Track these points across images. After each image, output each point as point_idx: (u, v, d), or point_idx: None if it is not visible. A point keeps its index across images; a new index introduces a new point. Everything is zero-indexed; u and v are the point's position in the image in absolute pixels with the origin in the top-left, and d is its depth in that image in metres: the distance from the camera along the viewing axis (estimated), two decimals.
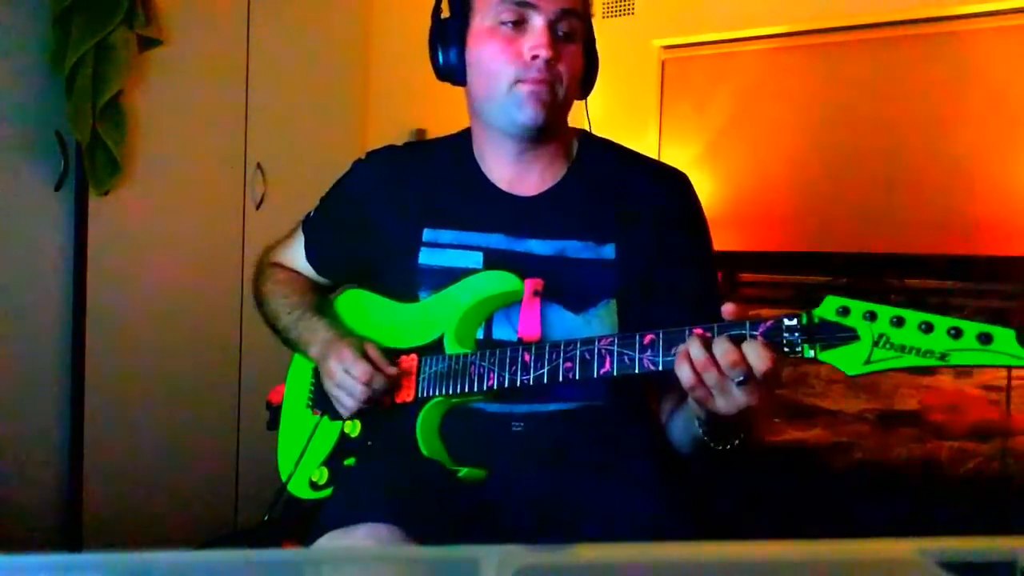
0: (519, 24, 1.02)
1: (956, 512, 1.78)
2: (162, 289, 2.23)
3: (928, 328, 0.73)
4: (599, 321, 1.06)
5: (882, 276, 3.46)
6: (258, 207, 2.48)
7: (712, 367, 0.81)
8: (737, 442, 0.93)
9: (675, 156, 3.95)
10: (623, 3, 3.87)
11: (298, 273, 1.28)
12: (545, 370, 0.93)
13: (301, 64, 2.62)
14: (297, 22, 2.60)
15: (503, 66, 1.03)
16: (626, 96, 3.82)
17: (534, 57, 1.01)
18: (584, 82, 1.10)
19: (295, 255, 1.28)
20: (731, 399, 0.83)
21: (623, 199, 1.10)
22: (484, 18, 1.04)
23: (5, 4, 1.87)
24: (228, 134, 2.41)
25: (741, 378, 0.80)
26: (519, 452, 1.06)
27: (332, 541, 0.94)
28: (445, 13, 1.10)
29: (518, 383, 0.95)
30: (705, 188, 3.67)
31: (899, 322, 0.75)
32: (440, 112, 2.65)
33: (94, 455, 2.06)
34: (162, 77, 2.18)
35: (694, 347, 0.82)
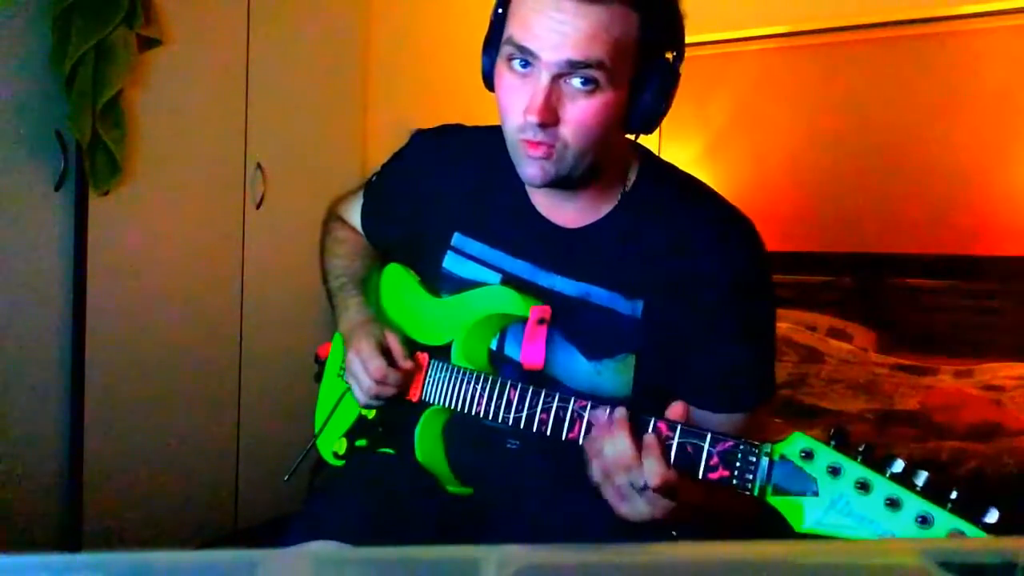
0: (526, 70, 0.88)
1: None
2: (162, 289, 2.23)
3: (894, 504, 0.64)
4: (611, 374, 0.98)
5: (882, 276, 3.46)
6: (258, 207, 2.48)
7: (621, 470, 0.77)
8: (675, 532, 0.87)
9: (675, 156, 3.95)
10: None
11: (356, 232, 1.27)
12: (523, 415, 0.90)
13: (301, 64, 2.62)
14: (297, 22, 2.60)
15: (507, 112, 0.92)
16: None
17: (526, 116, 0.88)
18: (632, 121, 0.93)
19: (354, 213, 1.26)
20: (634, 506, 0.79)
21: (668, 250, 0.96)
22: (504, 46, 0.90)
23: (5, 4, 1.87)
24: (228, 134, 2.41)
25: (639, 486, 0.76)
26: (512, 470, 1.05)
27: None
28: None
29: (500, 420, 0.93)
30: None
31: (864, 487, 0.66)
32: (440, 112, 2.64)
33: (94, 455, 2.06)
34: (162, 77, 2.18)
35: (608, 444, 0.78)
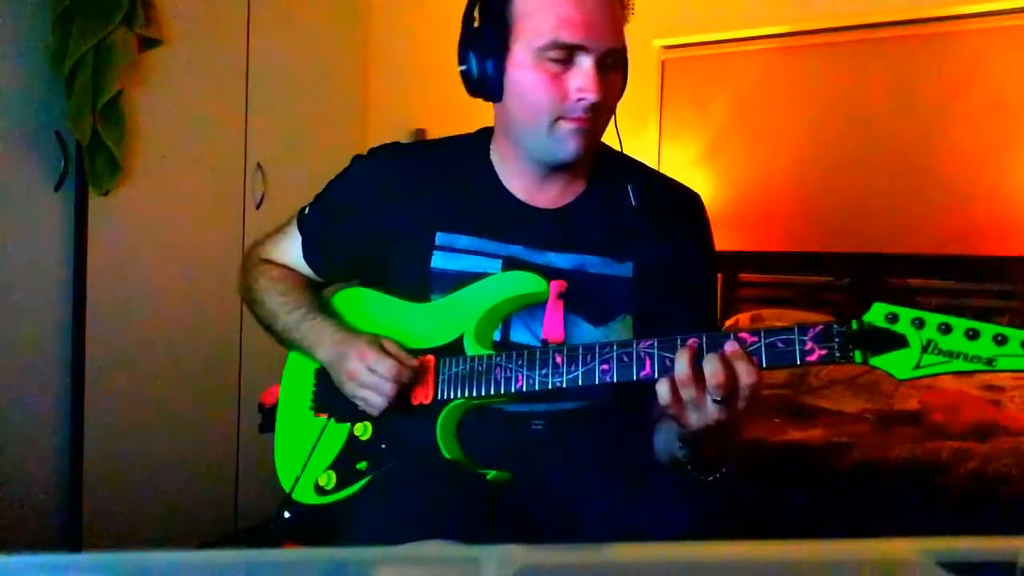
0: (566, 61, 0.99)
1: (956, 512, 1.78)
2: (162, 289, 2.23)
3: (975, 335, 0.76)
4: (616, 336, 1.06)
5: (882, 276, 3.45)
6: (258, 207, 2.49)
7: (691, 385, 0.84)
8: (718, 475, 0.95)
9: (675, 156, 3.95)
10: None
11: (292, 270, 1.24)
12: (580, 372, 0.92)
13: (301, 64, 2.62)
14: (297, 22, 2.60)
15: (547, 102, 1.00)
16: (626, 96, 3.81)
17: (580, 99, 0.99)
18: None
19: (288, 251, 1.23)
20: (704, 414, 0.85)
21: (641, 217, 1.10)
22: (528, 46, 1.00)
23: (5, 4, 1.87)
24: (228, 134, 2.41)
25: (719, 398, 0.83)
26: (539, 451, 1.06)
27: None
28: (477, 21, 1.04)
29: (550, 386, 0.94)
30: (705, 188, 3.66)
31: (947, 329, 0.78)
32: (440, 112, 2.64)
33: (94, 455, 2.06)
34: (162, 77, 2.18)
35: (681, 363, 0.84)
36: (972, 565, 0.42)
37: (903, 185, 3.48)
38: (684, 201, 1.17)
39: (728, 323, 3.27)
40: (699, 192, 1.20)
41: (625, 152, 1.18)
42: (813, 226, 3.67)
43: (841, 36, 3.59)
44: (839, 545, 0.44)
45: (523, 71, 1.01)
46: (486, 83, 1.04)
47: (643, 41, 3.84)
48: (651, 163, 1.24)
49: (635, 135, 3.86)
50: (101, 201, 2.05)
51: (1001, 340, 0.75)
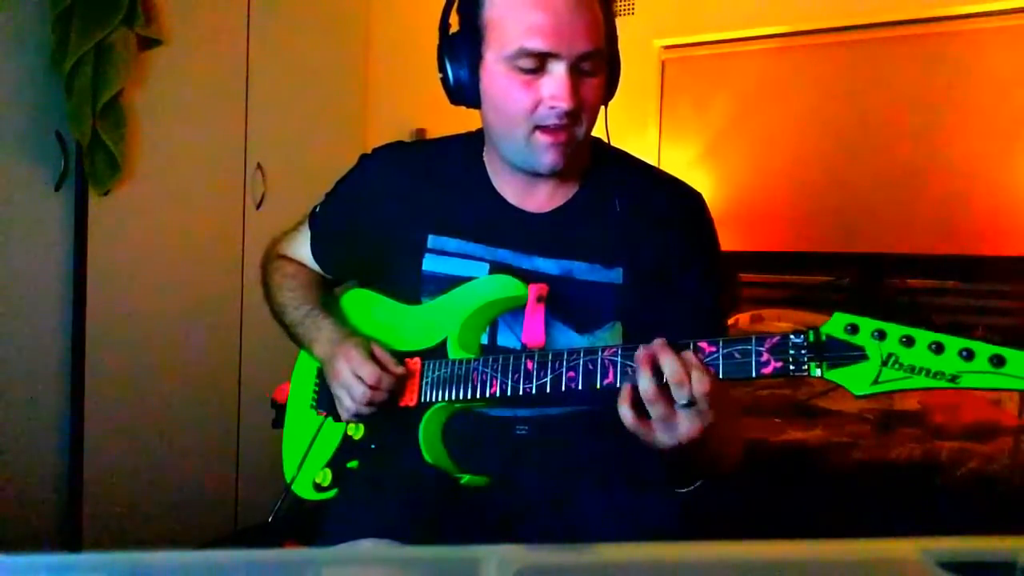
0: (538, 69, 0.96)
1: (956, 512, 1.78)
2: (162, 289, 2.23)
3: (939, 349, 0.71)
4: (603, 344, 1.02)
5: (882, 276, 3.45)
6: (258, 207, 2.49)
7: (659, 400, 0.80)
8: (695, 487, 0.92)
9: (675, 156, 3.95)
10: (623, 3, 3.87)
11: (305, 267, 1.26)
12: (548, 379, 0.91)
13: (301, 64, 2.62)
14: (297, 22, 2.60)
15: (520, 111, 0.98)
16: (626, 96, 3.80)
17: (553, 107, 0.96)
18: (605, 96, 1.04)
19: (301, 248, 1.26)
20: (675, 431, 0.82)
21: (634, 220, 1.07)
22: (499, 55, 0.98)
23: (5, 4, 1.87)
24: (228, 134, 2.42)
25: (685, 400, 0.79)
26: (524, 456, 1.06)
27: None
28: (453, 27, 1.04)
29: (520, 391, 0.93)
30: (705, 188, 3.65)
31: (909, 342, 0.73)
32: (440, 112, 2.63)
33: (94, 455, 2.07)
34: (162, 77, 2.18)
35: (644, 380, 0.80)
36: (972, 565, 0.42)
37: (903, 185, 3.48)
38: (682, 202, 1.11)
39: (728, 323, 3.27)
40: (699, 192, 1.15)
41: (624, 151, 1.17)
42: (813, 226, 3.67)
43: (841, 36, 3.59)
44: (839, 545, 0.44)
45: (495, 79, 0.99)
46: (463, 91, 1.03)
47: (643, 41, 3.84)
48: (651, 163, 1.18)
49: (635, 135, 3.86)
50: (101, 201, 2.05)
51: (967, 355, 0.70)
